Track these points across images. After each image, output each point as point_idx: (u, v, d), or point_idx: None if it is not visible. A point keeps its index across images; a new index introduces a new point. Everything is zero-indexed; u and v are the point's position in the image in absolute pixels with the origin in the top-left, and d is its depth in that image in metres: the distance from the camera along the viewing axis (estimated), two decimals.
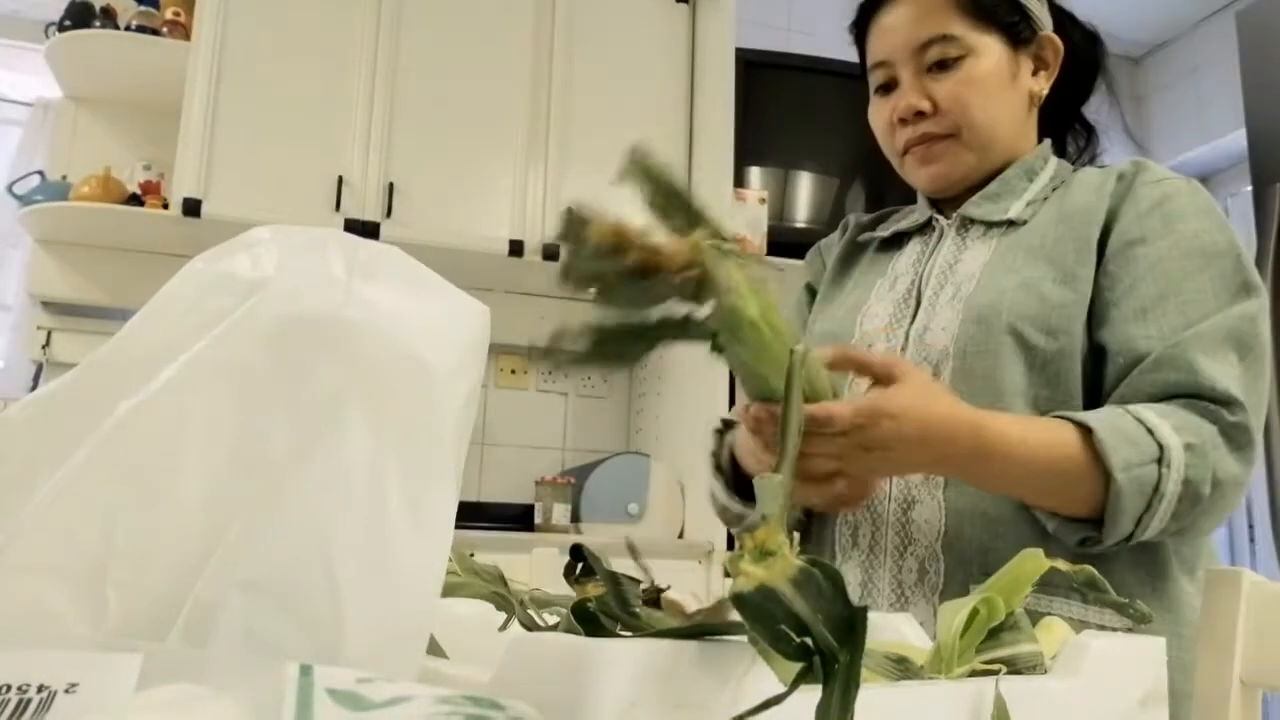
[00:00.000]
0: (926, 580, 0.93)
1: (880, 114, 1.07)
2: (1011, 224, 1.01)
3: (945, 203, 1.09)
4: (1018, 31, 1.04)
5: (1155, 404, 0.86)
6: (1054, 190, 1.03)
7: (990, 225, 1.03)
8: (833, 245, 1.20)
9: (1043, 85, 1.06)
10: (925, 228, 1.10)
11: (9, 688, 0.28)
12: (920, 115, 1.02)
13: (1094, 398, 0.93)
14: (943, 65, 1.01)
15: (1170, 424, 0.84)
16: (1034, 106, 1.07)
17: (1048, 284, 0.94)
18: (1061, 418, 0.86)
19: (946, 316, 0.98)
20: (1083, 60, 1.11)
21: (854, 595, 0.96)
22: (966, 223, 1.05)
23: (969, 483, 0.89)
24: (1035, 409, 0.92)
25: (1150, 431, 0.83)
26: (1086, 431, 0.84)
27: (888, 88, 1.05)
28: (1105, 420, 0.84)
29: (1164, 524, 0.84)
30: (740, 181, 2.76)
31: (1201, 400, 0.86)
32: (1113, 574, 0.90)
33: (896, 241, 1.12)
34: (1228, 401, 0.86)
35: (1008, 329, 0.92)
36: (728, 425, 1.08)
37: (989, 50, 1.02)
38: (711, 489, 1.08)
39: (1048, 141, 1.08)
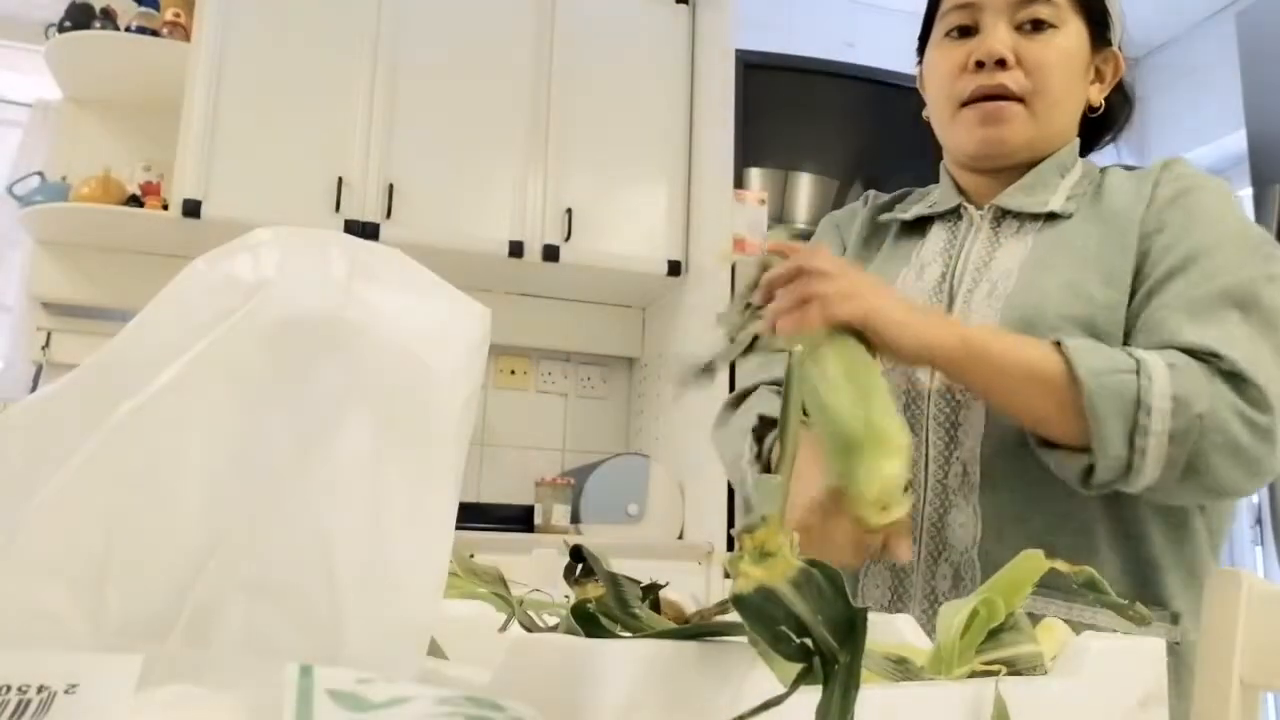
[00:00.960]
0: (961, 587, 0.91)
1: (950, 57, 1.02)
2: (1052, 217, 1.00)
3: (971, 191, 1.07)
4: (1099, 31, 1.03)
5: None
6: (1089, 186, 1.02)
7: (1026, 220, 1.01)
8: (851, 220, 1.16)
9: (1096, 97, 1.05)
10: (951, 214, 1.07)
11: (9, 688, 0.28)
12: (1000, 65, 0.99)
13: None
14: (1035, 27, 0.99)
15: (1147, 351, 0.84)
16: (1083, 111, 1.06)
17: (1094, 285, 0.93)
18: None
19: (983, 314, 0.96)
20: (1108, 114, 1.09)
21: (882, 601, 0.96)
22: (1000, 215, 1.03)
23: (951, 369, 0.87)
24: None
25: (1128, 353, 0.84)
26: (1059, 345, 0.84)
27: (965, 31, 1.02)
28: (1078, 339, 0.85)
29: (1163, 449, 0.81)
30: (740, 183, 2.76)
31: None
32: (1158, 577, 0.90)
33: (919, 226, 1.09)
34: (1212, 354, 0.84)
35: (1053, 331, 0.90)
36: (765, 423, 1.02)
37: (1076, 33, 1.01)
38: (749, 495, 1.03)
39: (1076, 140, 1.06)
